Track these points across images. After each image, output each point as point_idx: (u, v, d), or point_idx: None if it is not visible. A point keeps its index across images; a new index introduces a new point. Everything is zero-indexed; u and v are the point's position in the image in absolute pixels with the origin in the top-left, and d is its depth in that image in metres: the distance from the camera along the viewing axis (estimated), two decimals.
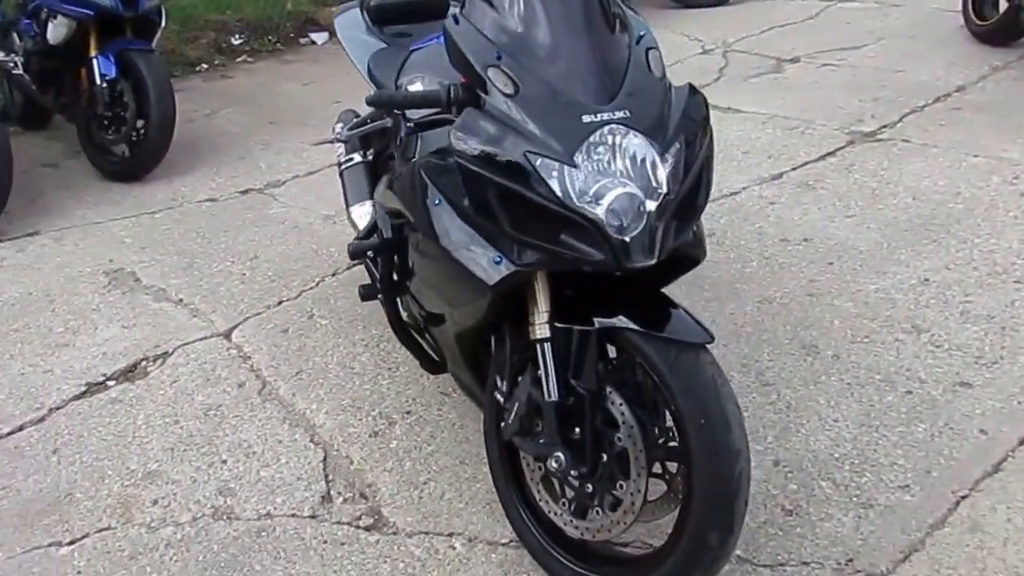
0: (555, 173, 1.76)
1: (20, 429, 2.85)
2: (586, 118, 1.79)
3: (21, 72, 4.98)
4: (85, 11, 4.38)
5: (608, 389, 1.94)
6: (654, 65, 1.93)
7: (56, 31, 4.53)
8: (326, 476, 2.57)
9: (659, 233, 1.79)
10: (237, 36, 6.97)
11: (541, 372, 1.94)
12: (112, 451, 2.72)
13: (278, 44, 7.03)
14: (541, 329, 1.94)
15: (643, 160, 1.80)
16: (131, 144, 4.60)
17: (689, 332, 1.88)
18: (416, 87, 2.18)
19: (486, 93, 1.86)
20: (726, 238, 3.66)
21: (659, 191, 1.80)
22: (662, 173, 1.81)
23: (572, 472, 1.96)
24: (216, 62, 6.72)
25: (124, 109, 4.52)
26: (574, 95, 1.82)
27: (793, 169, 4.22)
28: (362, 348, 3.14)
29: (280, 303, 3.47)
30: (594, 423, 1.94)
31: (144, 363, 3.15)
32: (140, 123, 4.52)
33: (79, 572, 2.30)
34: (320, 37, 7.22)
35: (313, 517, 2.43)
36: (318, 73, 6.38)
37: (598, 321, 1.91)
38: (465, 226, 1.91)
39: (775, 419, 2.66)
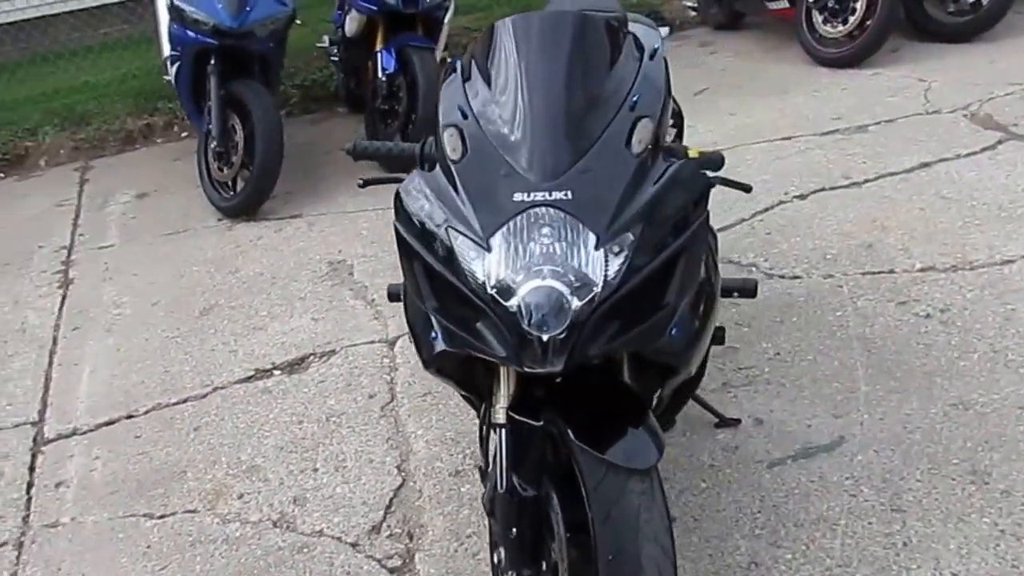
0: (473, 254, 1.66)
1: (183, 401, 3.29)
2: (517, 196, 1.67)
3: (337, 59, 5.62)
4: (371, 7, 4.80)
5: (552, 494, 1.82)
6: (638, 138, 1.74)
7: (351, 24, 5.04)
8: (388, 506, 2.67)
9: (584, 336, 1.63)
10: None
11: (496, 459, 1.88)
12: (236, 439, 3.04)
13: None
14: (499, 414, 1.86)
15: (574, 250, 1.64)
16: (403, 137, 4.98)
17: (624, 453, 1.69)
18: None
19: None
20: (959, 317, 3.15)
21: (591, 287, 1.63)
22: (598, 267, 1.63)
23: (510, 572, 1.88)
24: None
25: (399, 103, 4.92)
26: (518, 168, 1.71)
27: None
28: None
29: None
30: (533, 526, 1.84)
31: (311, 358, 3.46)
32: (413, 117, 4.88)
33: (148, 547, 2.64)
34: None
35: (353, 545, 2.55)
36: None
37: (545, 419, 1.80)
38: None
39: (880, 555, 2.29)
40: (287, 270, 4.14)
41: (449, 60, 1.99)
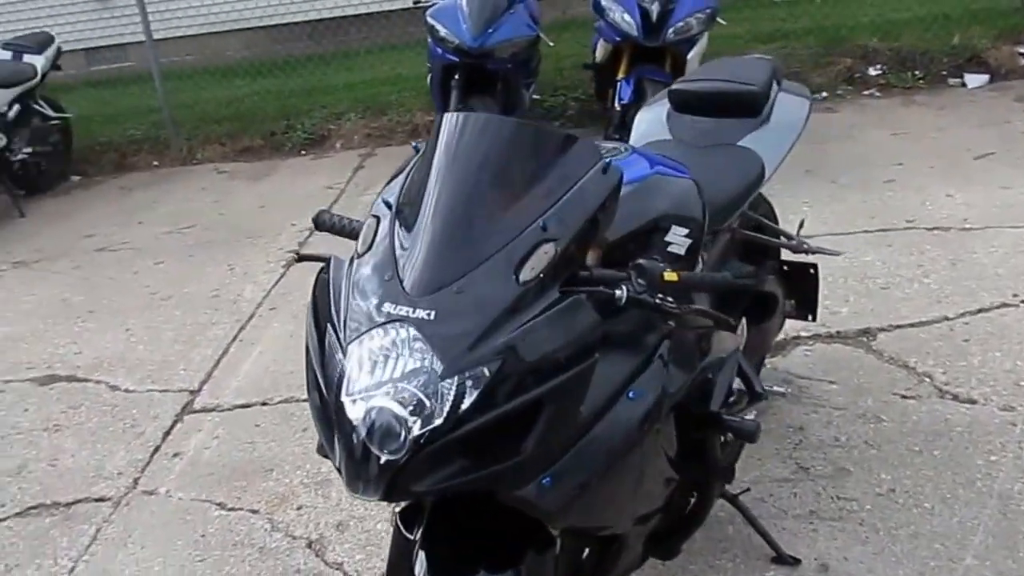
0: (337, 357, 1.49)
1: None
2: (386, 307, 1.46)
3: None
4: (615, 37, 4.58)
5: None
6: (531, 264, 1.46)
7: (600, 50, 4.86)
8: None
9: (412, 468, 1.39)
10: (876, 67, 6.42)
11: None
12: None
13: (920, 81, 6.27)
14: (418, 529, 1.66)
15: (422, 376, 1.40)
16: None
17: None
18: None
19: None
20: None
21: (431, 418, 1.39)
22: (444, 397, 1.39)
23: None
24: (838, 92, 6.31)
25: (628, 135, 4.65)
26: (401, 276, 1.49)
27: None
28: None
29: None
30: None
31: None
32: None
33: (203, 535, 2.72)
34: (976, 80, 6.23)
35: None
36: (926, 123, 5.57)
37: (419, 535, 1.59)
38: None
39: None
40: None
41: (414, 145, 1.78)
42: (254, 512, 2.79)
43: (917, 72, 6.31)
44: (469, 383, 1.39)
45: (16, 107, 6.00)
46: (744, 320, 2.53)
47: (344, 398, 1.45)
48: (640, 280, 1.54)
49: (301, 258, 1.89)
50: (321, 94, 6.94)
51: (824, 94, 6.27)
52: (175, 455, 3.13)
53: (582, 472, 1.50)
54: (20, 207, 6.03)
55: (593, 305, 1.53)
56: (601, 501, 1.58)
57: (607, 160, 1.59)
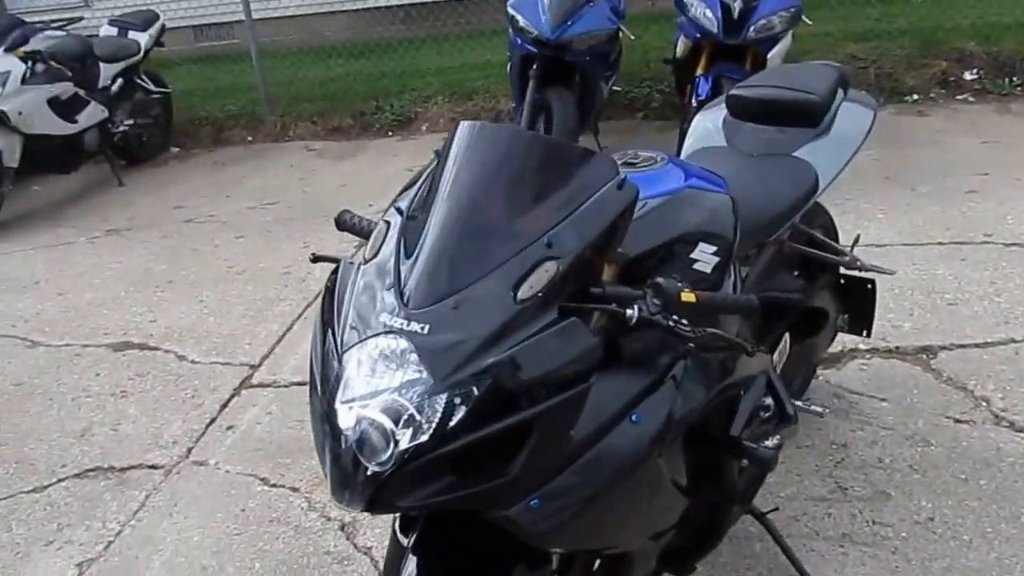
0: (334, 364, 1.47)
1: None
2: (383, 317, 1.43)
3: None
4: (695, 32, 4.47)
5: None
6: (531, 282, 1.40)
7: (680, 46, 4.74)
8: None
9: (396, 481, 1.36)
10: (972, 71, 6.10)
11: None
12: None
13: (1018, 88, 5.93)
14: (410, 536, 1.64)
15: (412, 390, 1.36)
16: None
17: None
18: None
19: None
20: None
21: (418, 433, 1.35)
22: (433, 413, 1.35)
23: None
24: (931, 95, 6.03)
25: None
26: (401, 286, 1.46)
27: None
28: None
29: None
30: None
31: None
32: None
33: (243, 510, 2.76)
34: None
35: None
36: (1019, 132, 5.27)
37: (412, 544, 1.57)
38: None
39: None
40: None
41: (436, 150, 1.73)
42: (294, 490, 2.82)
43: (1015, 79, 5.98)
44: (458, 400, 1.35)
45: (119, 81, 6.20)
46: (788, 335, 2.43)
47: (338, 405, 1.43)
48: (655, 300, 1.47)
49: (316, 259, 1.87)
50: (411, 77, 6.98)
51: (916, 97, 6.02)
52: (228, 428, 3.19)
53: (573, 496, 1.45)
54: (119, 176, 6.25)
55: (605, 323, 1.48)
56: (594, 525, 1.52)
57: (623, 176, 1.52)
